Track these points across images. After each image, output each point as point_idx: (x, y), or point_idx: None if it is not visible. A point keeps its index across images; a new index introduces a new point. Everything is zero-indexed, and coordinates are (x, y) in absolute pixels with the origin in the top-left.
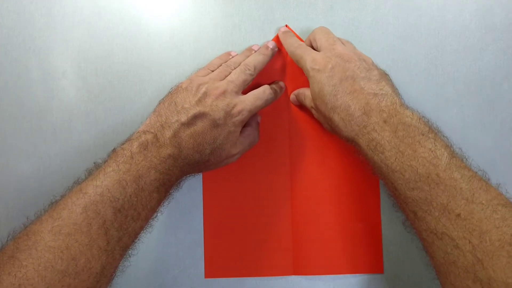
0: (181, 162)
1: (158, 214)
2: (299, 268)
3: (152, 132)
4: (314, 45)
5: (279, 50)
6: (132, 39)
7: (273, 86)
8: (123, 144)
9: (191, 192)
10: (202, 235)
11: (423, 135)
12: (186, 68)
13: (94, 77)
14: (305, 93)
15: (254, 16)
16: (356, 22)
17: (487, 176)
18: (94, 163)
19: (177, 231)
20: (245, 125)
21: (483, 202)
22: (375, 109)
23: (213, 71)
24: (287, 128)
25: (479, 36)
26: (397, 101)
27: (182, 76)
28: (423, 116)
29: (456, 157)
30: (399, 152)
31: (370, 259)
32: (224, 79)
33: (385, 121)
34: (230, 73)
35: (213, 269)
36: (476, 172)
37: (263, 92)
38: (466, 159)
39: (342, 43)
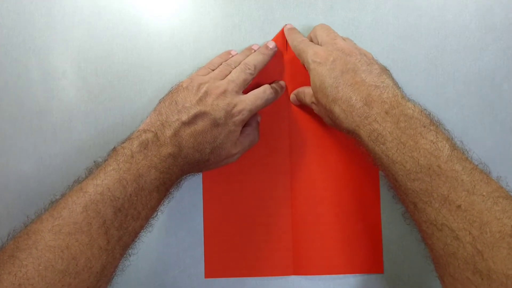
0: (181, 161)
1: (158, 214)
2: (299, 268)
3: (152, 131)
4: (315, 41)
5: (279, 50)
6: (132, 39)
7: (274, 85)
8: (123, 142)
9: (191, 192)
10: (202, 235)
11: (424, 127)
12: (186, 68)
13: (94, 77)
14: (305, 91)
15: (254, 16)
16: (356, 22)
17: (488, 169)
18: (94, 162)
19: (177, 231)
20: (245, 124)
21: (484, 194)
22: (377, 100)
23: (213, 70)
24: (287, 128)
25: (479, 36)
26: (399, 93)
27: (182, 76)
28: (424, 109)
29: (457, 149)
30: (400, 143)
31: (370, 259)
32: (224, 78)
33: (386, 112)
34: (230, 72)
35: (213, 269)
36: (477, 165)
37: (264, 91)
38: (467, 152)
39: (343, 39)
